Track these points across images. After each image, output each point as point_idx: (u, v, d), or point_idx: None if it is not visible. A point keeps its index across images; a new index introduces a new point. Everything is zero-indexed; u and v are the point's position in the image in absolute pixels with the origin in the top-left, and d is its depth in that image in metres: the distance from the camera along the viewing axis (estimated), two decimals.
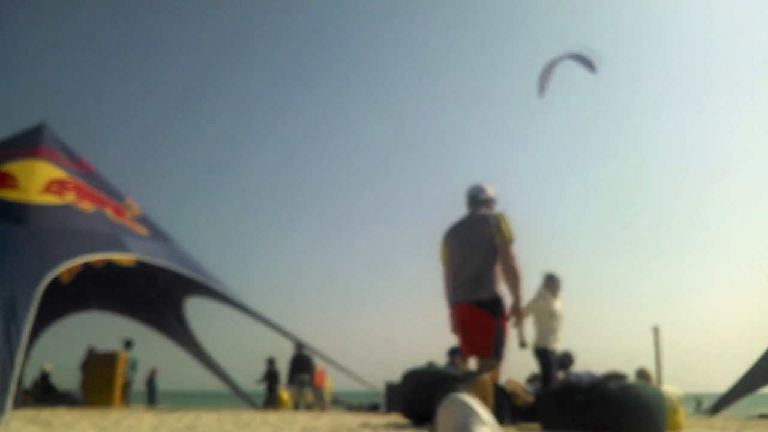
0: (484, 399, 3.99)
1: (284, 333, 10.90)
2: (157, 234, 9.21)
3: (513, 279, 4.05)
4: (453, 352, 8.13)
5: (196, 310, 12.42)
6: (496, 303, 4.03)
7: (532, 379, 7.94)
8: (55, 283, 7.37)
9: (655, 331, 8.32)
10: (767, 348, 9.80)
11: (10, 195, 7.33)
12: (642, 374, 6.76)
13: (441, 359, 8.58)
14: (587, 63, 8.68)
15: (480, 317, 4.04)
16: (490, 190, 4.57)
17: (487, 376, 3.89)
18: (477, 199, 4.51)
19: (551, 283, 6.84)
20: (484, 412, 1.37)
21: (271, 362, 12.70)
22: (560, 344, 6.78)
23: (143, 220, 9.13)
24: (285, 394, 12.55)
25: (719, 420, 7.61)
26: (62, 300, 10.63)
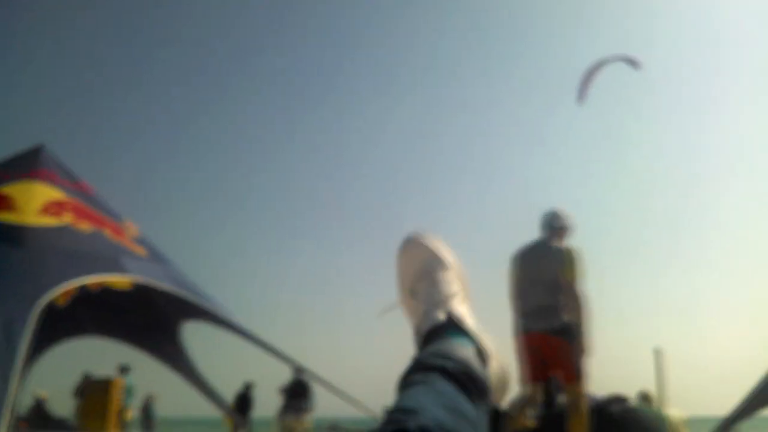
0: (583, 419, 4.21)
1: (283, 358, 10.78)
2: (155, 255, 9.14)
3: (579, 315, 4.21)
4: None
5: (195, 335, 12.30)
6: (568, 329, 4.24)
7: None
8: (51, 307, 7.29)
9: (657, 353, 8.23)
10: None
11: (6, 217, 7.28)
12: (644, 397, 6.68)
13: None
14: (630, 61, 8.64)
15: (558, 345, 4.23)
16: (567, 218, 4.53)
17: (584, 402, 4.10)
18: (552, 226, 4.55)
19: None
20: (448, 255, 1.21)
21: (247, 387, 12.51)
22: None
23: (141, 241, 9.07)
24: None
25: None
26: (58, 325, 10.53)
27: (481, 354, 1.08)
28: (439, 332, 1.11)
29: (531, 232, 4.58)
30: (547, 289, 4.33)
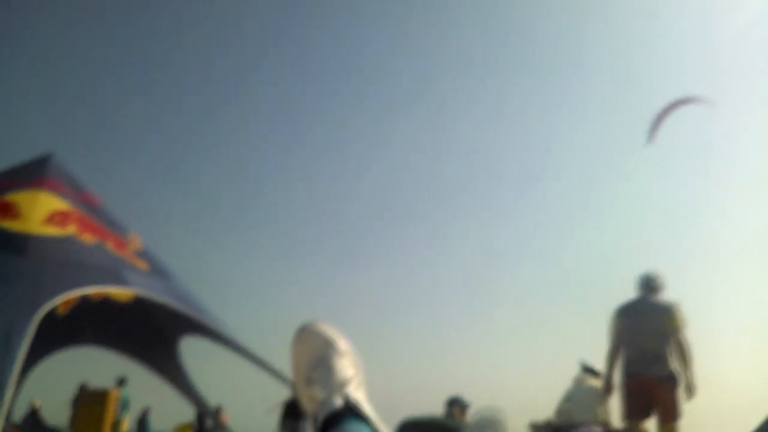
0: None
1: (282, 378, 10.73)
2: (158, 269, 9.14)
3: (689, 361, 4.88)
4: (452, 403, 7.95)
5: (195, 351, 12.27)
6: (675, 377, 4.93)
7: (537, 427, 7.76)
8: (52, 315, 7.29)
9: None
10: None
11: (10, 225, 7.29)
12: None
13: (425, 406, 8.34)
14: (701, 101, 8.85)
15: (667, 389, 4.91)
16: (661, 279, 5.35)
17: None
18: (651, 286, 5.30)
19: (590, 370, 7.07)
20: (342, 342, 1.25)
21: (200, 416, 12.48)
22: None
23: (144, 254, 9.07)
24: None
25: None
26: (57, 333, 10.53)
27: None
28: (336, 419, 1.12)
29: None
30: (656, 338, 5.01)
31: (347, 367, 1.22)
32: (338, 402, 1.15)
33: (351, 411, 1.14)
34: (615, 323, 5.39)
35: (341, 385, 1.18)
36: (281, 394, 11.75)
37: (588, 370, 7.27)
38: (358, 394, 1.19)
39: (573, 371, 7.12)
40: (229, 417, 13.07)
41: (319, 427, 1.13)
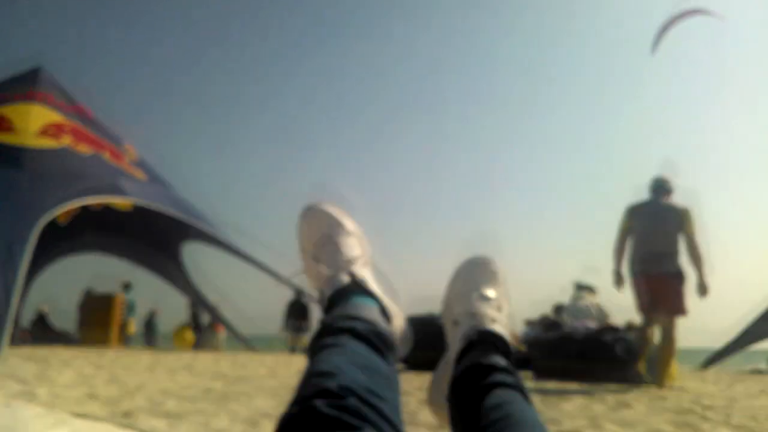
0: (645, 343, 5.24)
1: (281, 279, 10.96)
2: (155, 178, 9.14)
3: (700, 263, 5.11)
4: None
5: (198, 255, 12.46)
6: (683, 275, 5.14)
7: (531, 323, 8.00)
8: (53, 224, 7.36)
9: None
10: (765, 309, 10.13)
11: (5, 138, 7.24)
12: (628, 326, 6.84)
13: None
14: (706, 13, 8.67)
15: (674, 285, 5.13)
16: (672, 182, 5.51)
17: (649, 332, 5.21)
18: (663, 188, 5.49)
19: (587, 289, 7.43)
20: (348, 221, 1.27)
21: (194, 313, 13.03)
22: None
23: (141, 164, 9.05)
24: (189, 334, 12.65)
25: (711, 374, 7.72)
26: (60, 241, 10.67)
27: (385, 312, 1.13)
28: (343, 294, 1.14)
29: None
30: (666, 239, 5.26)
31: (354, 245, 1.25)
32: (345, 279, 1.17)
33: (358, 287, 1.16)
34: (626, 222, 5.51)
35: (348, 262, 1.21)
36: (283, 291, 12.04)
37: (583, 287, 7.53)
38: (364, 271, 1.21)
39: (575, 266, 7.31)
40: (231, 313, 13.49)
41: (326, 303, 1.15)
